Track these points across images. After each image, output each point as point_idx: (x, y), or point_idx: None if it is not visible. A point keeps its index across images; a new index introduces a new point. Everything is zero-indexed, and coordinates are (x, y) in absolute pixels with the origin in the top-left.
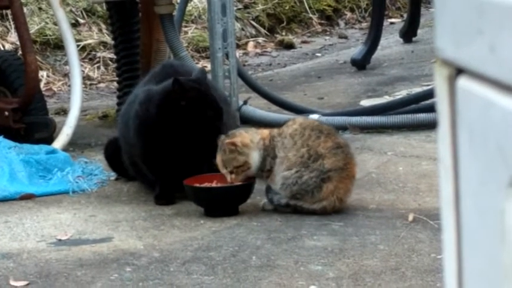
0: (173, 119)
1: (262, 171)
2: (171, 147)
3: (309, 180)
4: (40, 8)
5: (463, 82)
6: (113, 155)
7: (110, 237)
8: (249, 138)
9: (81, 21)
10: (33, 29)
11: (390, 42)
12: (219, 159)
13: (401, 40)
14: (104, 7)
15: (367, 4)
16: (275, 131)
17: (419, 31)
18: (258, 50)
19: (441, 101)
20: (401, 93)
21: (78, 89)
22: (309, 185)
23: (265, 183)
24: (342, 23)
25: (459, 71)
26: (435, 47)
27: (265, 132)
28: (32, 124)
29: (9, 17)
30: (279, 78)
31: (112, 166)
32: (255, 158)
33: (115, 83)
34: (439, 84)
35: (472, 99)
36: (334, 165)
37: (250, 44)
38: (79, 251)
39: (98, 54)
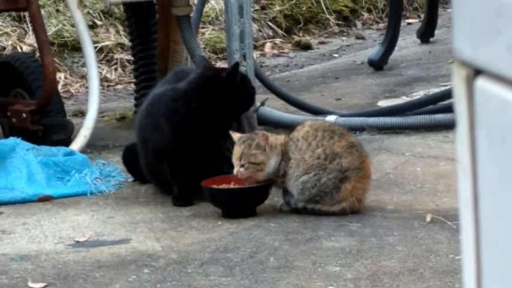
0: (215, 94)
1: (277, 177)
2: (204, 137)
3: (327, 182)
4: (57, 10)
5: (481, 83)
6: (131, 161)
7: (127, 238)
8: (276, 142)
9: (99, 23)
10: (50, 31)
11: (407, 42)
12: (237, 150)
13: (418, 41)
14: (122, 9)
15: (384, 5)
16: (288, 136)
17: (436, 31)
18: (275, 51)
19: (459, 101)
20: (418, 94)
21: (96, 90)
22: (328, 186)
23: (281, 187)
24: (359, 24)
25: (477, 71)
26: (453, 48)
27: (281, 138)
28: (49, 126)
29: (27, 19)
30: (296, 79)
31: (131, 171)
32: (272, 162)
33: (132, 85)
34: (457, 84)
35: (490, 100)
36: (352, 164)
37: (268, 45)
38: (97, 253)
39: (116, 56)
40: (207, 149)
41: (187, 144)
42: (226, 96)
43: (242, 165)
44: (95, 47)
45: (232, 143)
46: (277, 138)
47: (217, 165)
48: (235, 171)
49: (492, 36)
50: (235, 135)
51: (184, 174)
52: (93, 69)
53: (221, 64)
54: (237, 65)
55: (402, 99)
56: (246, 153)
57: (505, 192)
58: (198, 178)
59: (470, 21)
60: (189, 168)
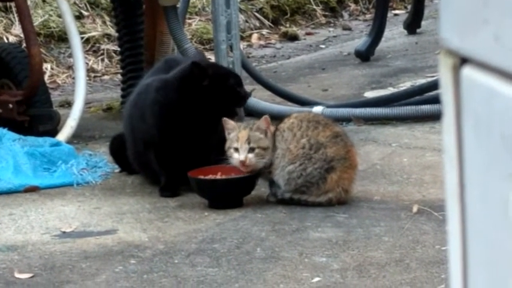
0: (196, 98)
1: (264, 167)
2: (189, 130)
3: (313, 171)
4: (44, 1)
5: (467, 72)
6: (118, 151)
7: (114, 229)
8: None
9: (85, 13)
10: (37, 21)
11: (394, 33)
12: (244, 133)
13: (405, 31)
14: None
15: None
16: (275, 127)
17: (423, 22)
18: (262, 42)
19: (446, 90)
20: (405, 85)
21: (82, 81)
22: (314, 176)
23: (268, 178)
24: (346, 15)
25: (464, 60)
26: (440, 37)
27: (272, 128)
28: (36, 116)
29: (13, 9)
30: (283, 70)
31: (118, 162)
32: (270, 151)
33: (119, 75)
34: (444, 74)
35: (477, 89)
36: (337, 154)
37: (254, 36)
38: (83, 243)
39: (102, 47)
40: (193, 140)
41: (172, 136)
42: (208, 98)
43: (252, 149)
44: (82, 38)
45: (222, 131)
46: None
47: (205, 155)
48: (242, 157)
49: (479, 25)
50: (230, 123)
51: (171, 165)
52: (79, 59)
53: (208, 55)
54: (222, 76)
55: (389, 90)
56: (254, 136)
57: (491, 182)
58: (185, 168)
59: (458, 10)
60: (175, 159)
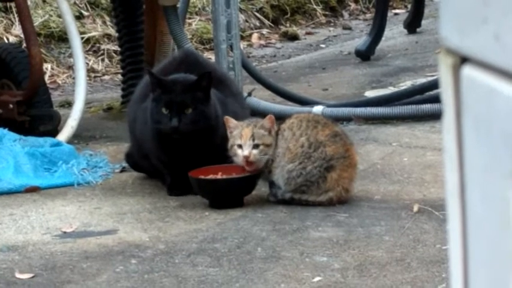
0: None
1: (265, 167)
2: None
3: (313, 170)
4: (44, 1)
5: (467, 71)
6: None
7: (115, 229)
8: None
9: (85, 13)
10: (37, 21)
11: (394, 33)
12: (247, 130)
13: (405, 31)
14: None
15: None
16: (277, 126)
17: (423, 22)
18: (262, 42)
19: (446, 90)
20: (405, 84)
21: (83, 81)
22: (314, 175)
23: (268, 179)
24: (346, 14)
25: (464, 59)
26: (440, 36)
27: (275, 127)
28: (36, 117)
29: (14, 9)
30: (283, 69)
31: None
32: (272, 148)
33: (119, 75)
34: (444, 73)
35: (477, 88)
36: (336, 153)
37: (255, 36)
38: (84, 244)
39: (102, 47)
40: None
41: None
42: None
43: (256, 146)
44: (82, 38)
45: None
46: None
47: (209, 154)
48: (246, 152)
49: (479, 24)
50: (234, 122)
51: (175, 167)
52: (80, 60)
53: (208, 55)
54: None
55: (389, 90)
56: (258, 133)
57: (492, 181)
58: (190, 167)
59: (458, 9)
60: (178, 162)
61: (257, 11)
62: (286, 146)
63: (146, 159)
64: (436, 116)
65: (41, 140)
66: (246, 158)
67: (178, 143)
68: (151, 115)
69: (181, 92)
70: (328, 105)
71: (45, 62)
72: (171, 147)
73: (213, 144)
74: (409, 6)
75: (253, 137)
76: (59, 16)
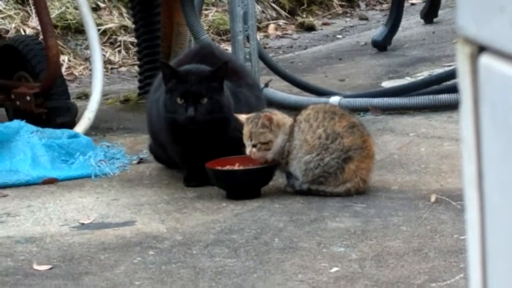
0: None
1: (282, 158)
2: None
3: (331, 161)
4: None
5: (485, 60)
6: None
7: (132, 220)
8: (283, 120)
9: (102, 5)
10: (54, 13)
11: (411, 23)
12: (246, 130)
13: (422, 21)
14: None
15: None
16: (294, 119)
17: (440, 12)
18: (279, 33)
19: (463, 79)
20: (422, 74)
21: (100, 73)
22: (331, 166)
23: (285, 170)
24: (362, 5)
25: (481, 48)
26: (457, 26)
27: (291, 119)
28: (53, 108)
29: (30, 1)
30: (299, 60)
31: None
32: (279, 141)
33: (136, 67)
34: (461, 62)
35: (494, 77)
36: (354, 144)
37: (271, 27)
38: (102, 235)
39: (119, 38)
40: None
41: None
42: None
43: (254, 145)
44: (98, 30)
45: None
46: (287, 118)
47: (224, 147)
48: (247, 151)
49: (496, 12)
50: (242, 117)
51: (190, 159)
52: (96, 51)
53: (224, 46)
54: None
55: (406, 80)
56: (255, 132)
57: (510, 171)
58: (205, 159)
59: None
60: (193, 154)
61: (274, 2)
62: (303, 138)
63: (163, 150)
64: (453, 106)
65: (58, 131)
66: (249, 157)
67: (192, 133)
68: (165, 106)
69: (197, 82)
70: (345, 96)
71: (62, 54)
72: (183, 138)
73: (226, 135)
74: None
75: (250, 137)
76: (76, 8)
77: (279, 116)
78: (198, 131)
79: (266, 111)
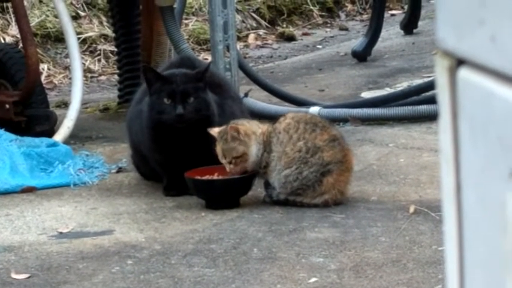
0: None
1: (259, 168)
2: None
3: (309, 175)
4: (41, 1)
5: (464, 73)
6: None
7: (111, 229)
8: (251, 129)
9: (82, 13)
10: (33, 21)
11: (391, 34)
12: (218, 149)
13: (402, 32)
14: (105, 0)
15: None
16: (271, 127)
17: (420, 23)
18: (259, 42)
19: (442, 92)
20: (402, 85)
21: (79, 81)
22: (310, 179)
23: (263, 178)
24: (342, 15)
25: (460, 61)
26: (436, 38)
27: (264, 127)
28: (32, 117)
29: (10, 10)
30: (279, 70)
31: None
32: (253, 150)
33: (116, 76)
34: (440, 75)
35: (473, 90)
36: (333, 158)
37: (251, 36)
38: (80, 244)
39: (99, 47)
40: (188, 148)
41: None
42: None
43: (230, 162)
44: (78, 38)
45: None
46: (258, 126)
47: (205, 153)
48: (227, 168)
49: (475, 26)
50: (214, 131)
51: (171, 167)
52: (76, 60)
53: (204, 55)
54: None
55: (386, 91)
56: (226, 149)
57: (488, 183)
58: (186, 167)
59: (454, 10)
60: (175, 162)
61: (254, 12)
62: (282, 150)
63: (144, 163)
64: (432, 117)
65: (37, 140)
66: (231, 174)
67: (178, 133)
68: (151, 108)
69: (183, 83)
70: (325, 106)
71: (42, 62)
72: (168, 140)
73: (208, 141)
74: (406, 7)
75: (224, 155)
76: (56, 16)
77: (246, 125)
78: (185, 130)
79: (232, 123)
